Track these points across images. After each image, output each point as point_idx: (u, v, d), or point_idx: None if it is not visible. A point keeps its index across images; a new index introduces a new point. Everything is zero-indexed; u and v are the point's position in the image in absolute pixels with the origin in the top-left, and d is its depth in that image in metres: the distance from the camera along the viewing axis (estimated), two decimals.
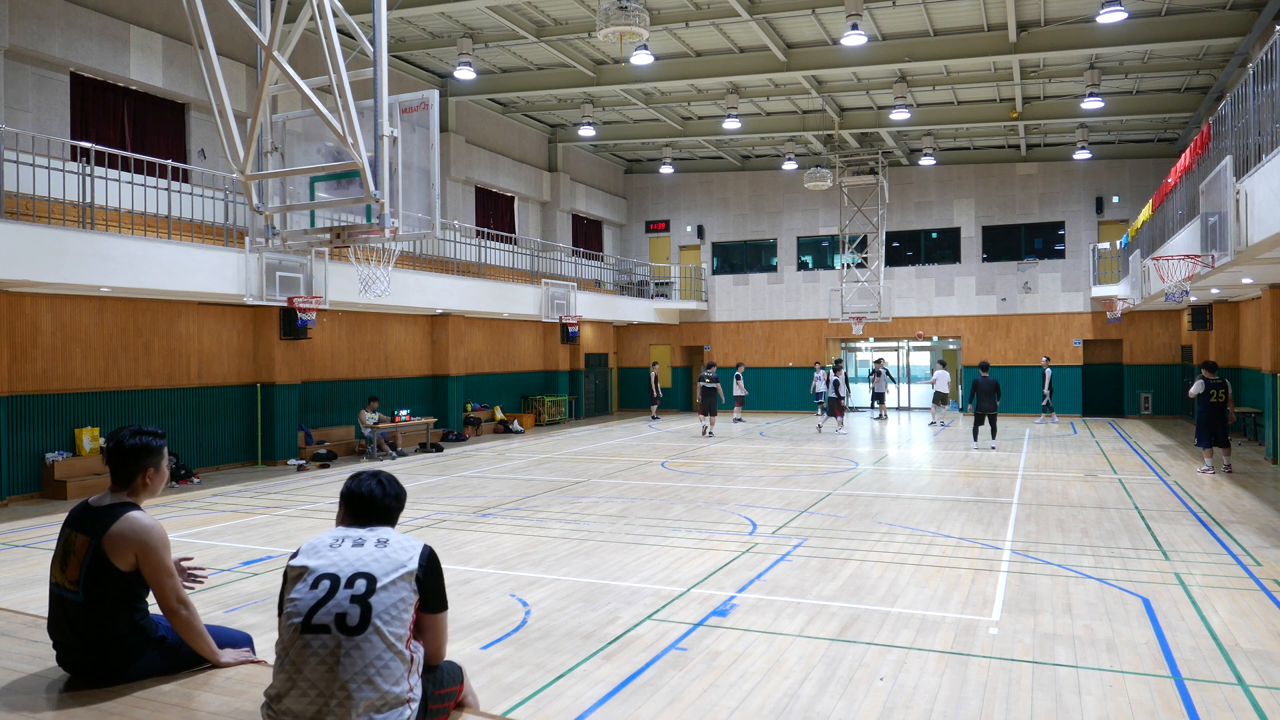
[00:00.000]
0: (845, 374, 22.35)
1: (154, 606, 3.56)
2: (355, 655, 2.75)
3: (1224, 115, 11.28)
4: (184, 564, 3.82)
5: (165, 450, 3.64)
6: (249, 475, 15.43)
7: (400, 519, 3.26)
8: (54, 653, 3.54)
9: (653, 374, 26.82)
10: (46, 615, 3.56)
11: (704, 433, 21.53)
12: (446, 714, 3.11)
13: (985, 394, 17.55)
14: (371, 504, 3.09)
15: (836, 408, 22.05)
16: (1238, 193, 9.62)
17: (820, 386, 26.05)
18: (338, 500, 3.21)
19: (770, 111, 24.70)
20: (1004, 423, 24.21)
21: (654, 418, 26.63)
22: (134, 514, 3.43)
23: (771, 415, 27.76)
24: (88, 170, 12.44)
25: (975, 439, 18.33)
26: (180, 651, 3.54)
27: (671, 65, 20.37)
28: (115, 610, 3.38)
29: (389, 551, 2.94)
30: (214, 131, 16.42)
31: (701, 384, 21.69)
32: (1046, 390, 23.96)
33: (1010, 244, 27.31)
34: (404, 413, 18.81)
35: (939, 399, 23.41)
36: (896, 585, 7.49)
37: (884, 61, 19.10)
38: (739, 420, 25.42)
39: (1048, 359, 24.61)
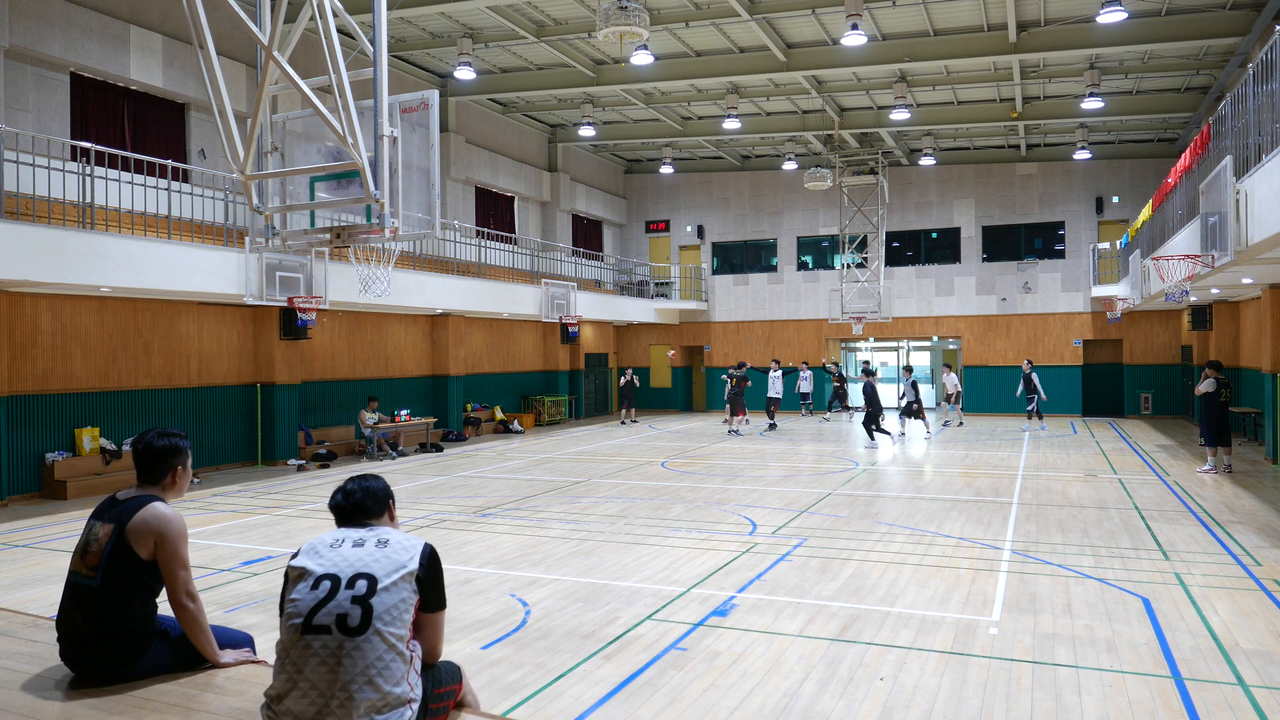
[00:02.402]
0: (914, 380, 21.12)
1: (163, 607, 3.58)
2: (356, 656, 2.75)
3: (1224, 115, 11.28)
4: None
5: (189, 450, 3.78)
6: (249, 475, 15.43)
7: (400, 519, 3.30)
8: (56, 650, 3.56)
9: (625, 380, 25.05)
10: (46, 614, 3.58)
11: (730, 432, 21.55)
12: (446, 713, 3.11)
13: (873, 397, 18.65)
14: (341, 510, 3.16)
15: (918, 411, 20.89)
16: (1238, 193, 9.62)
17: (805, 387, 26.11)
18: None
19: (770, 111, 24.70)
20: (1004, 422, 24.24)
21: (629, 421, 25.39)
22: (158, 504, 3.54)
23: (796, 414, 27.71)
24: (88, 170, 12.44)
25: (879, 437, 18.80)
26: (183, 651, 3.56)
27: (671, 65, 20.37)
28: (129, 598, 3.43)
29: (389, 552, 2.94)
30: (214, 131, 16.42)
31: (731, 381, 21.75)
32: (1033, 394, 22.00)
33: (1010, 244, 27.32)
34: (404, 413, 18.81)
35: (948, 399, 23.43)
36: (896, 585, 7.49)
37: (884, 61, 19.10)
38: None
39: (1030, 362, 23.05)
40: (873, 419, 18.48)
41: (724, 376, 24.75)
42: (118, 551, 3.43)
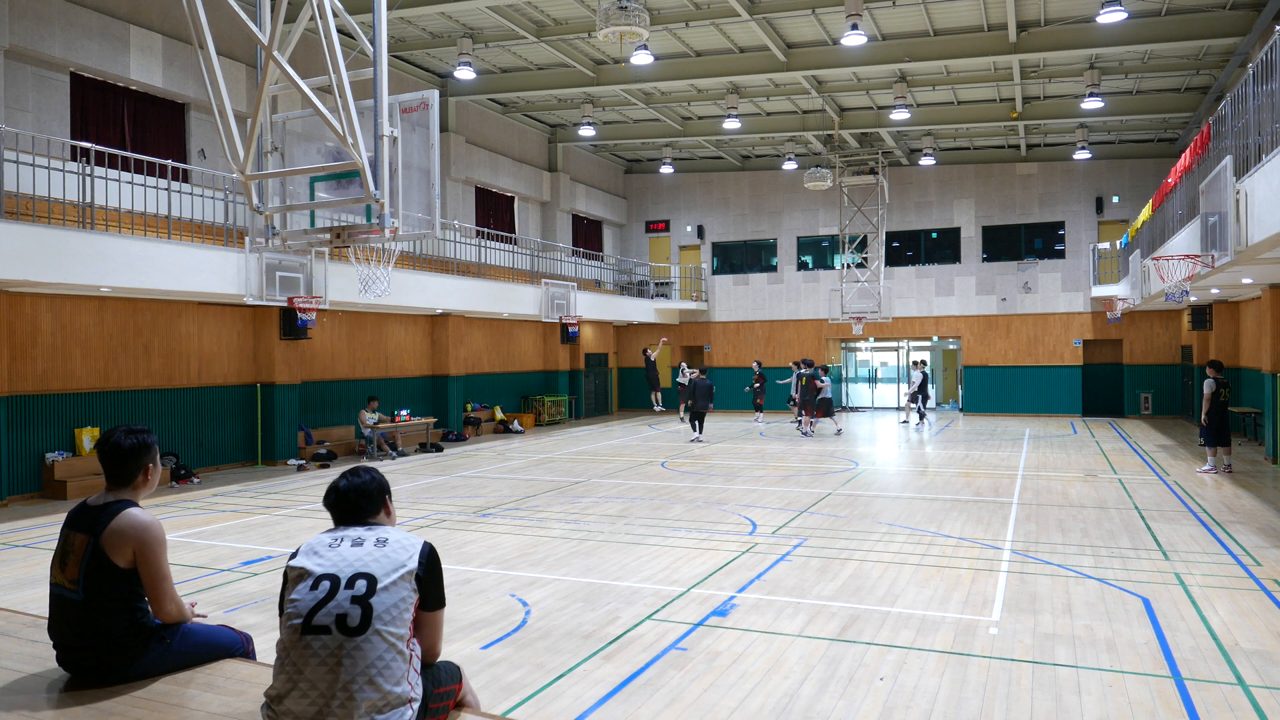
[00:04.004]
0: (828, 378, 22.43)
1: None
2: (357, 656, 2.75)
3: (1224, 115, 11.28)
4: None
5: (157, 446, 3.69)
6: (249, 475, 15.43)
7: (400, 519, 3.29)
8: (54, 653, 3.54)
9: (652, 357, 25.26)
10: (47, 616, 3.56)
11: (804, 434, 21.17)
12: (446, 713, 3.11)
13: (700, 395, 19.78)
14: (336, 509, 3.12)
15: (813, 408, 21.69)
16: (1238, 193, 9.62)
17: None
18: None
19: (770, 111, 24.70)
20: (1006, 422, 24.27)
21: (659, 407, 25.74)
22: (132, 510, 3.46)
23: (770, 415, 27.71)
24: (88, 170, 12.44)
25: (695, 431, 20.02)
26: (180, 652, 3.54)
27: (671, 65, 20.37)
28: (115, 609, 3.39)
29: (389, 551, 2.94)
30: (214, 131, 16.42)
31: (807, 382, 21.56)
32: (918, 390, 23.33)
33: (1010, 244, 27.32)
34: (404, 413, 18.81)
35: (914, 398, 23.59)
36: (896, 585, 7.49)
37: (884, 61, 19.10)
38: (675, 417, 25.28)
39: (924, 361, 24.03)
40: (696, 415, 19.84)
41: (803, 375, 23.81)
42: (96, 563, 3.36)
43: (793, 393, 23.42)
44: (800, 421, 21.71)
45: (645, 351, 25.50)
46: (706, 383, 20.00)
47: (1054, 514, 10.69)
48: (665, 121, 24.84)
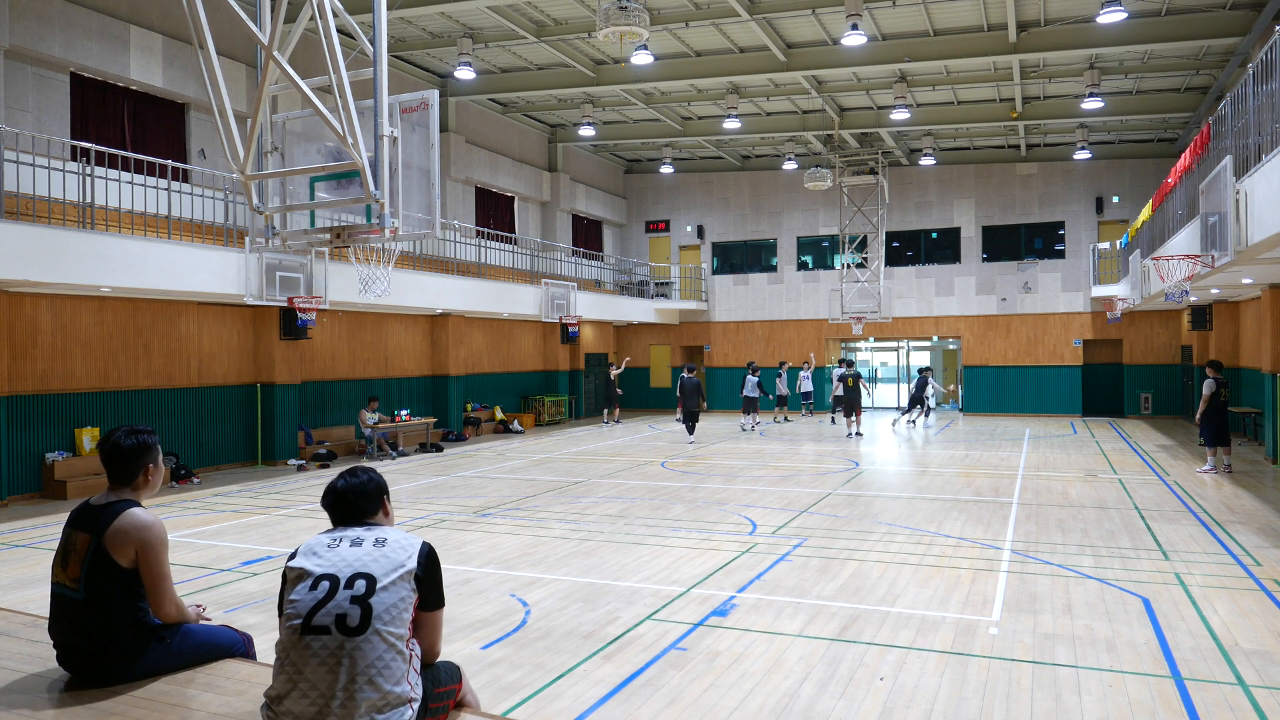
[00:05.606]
0: (759, 379, 23.22)
1: None
2: (356, 656, 2.75)
3: (1224, 115, 11.28)
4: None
5: (159, 446, 3.68)
6: (249, 475, 15.43)
7: (400, 519, 3.29)
8: (54, 653, 3.55)
9: (612, 375, 25.29)
10: (47, 616, 3.56)
11: (849, 435, 21.00)
12: (446, 713, 3.11)
13: (689, 394, 19.92)
14: (335, 509, 3.11)
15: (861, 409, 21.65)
16: (1238, 193, 9.62)
17: (807, 385, 26.25)
18: None
19: (770, 111, 24.70)
20: (1006, 422, 24.26)
21: (615, 422, 25.44)
22: (135, 510, 3.46)
23: (768, 414, 27.71)
24: (88, 170, 12.44)
25: (690, 434, 20.12)
26: (180, 652, 3.55)
27: (671, 65, 20.37)
28: (116, 608, 3.39)
29: (388, 551, 2.94)
30: (214, 131, 16.41)
31: (841, 383, 21.46)
32: (916, 392, 23.16)
33: (1010, 244, 27.32)
34: (404, 413, 18.81)
35: (918, 402, 23.30)
36: (896, 585, 7.49)
37: (884, 61, 19.10)
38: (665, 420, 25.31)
39: (928, 369, 23.76)
40: (689, 414, 20.16)
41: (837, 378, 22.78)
42: (98, 562, 3.36)
43: (747, 391, 23.12)
44: (838, 420, 22.10)
45: (611, 367, 25.47)
46: (694, 381, 20.08)
47: (1054, 514, 10.69)
48: (665, 121, 24.84)
